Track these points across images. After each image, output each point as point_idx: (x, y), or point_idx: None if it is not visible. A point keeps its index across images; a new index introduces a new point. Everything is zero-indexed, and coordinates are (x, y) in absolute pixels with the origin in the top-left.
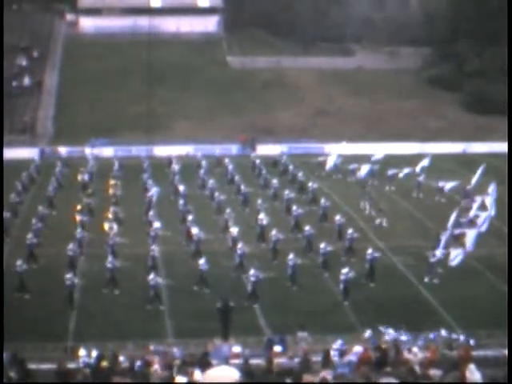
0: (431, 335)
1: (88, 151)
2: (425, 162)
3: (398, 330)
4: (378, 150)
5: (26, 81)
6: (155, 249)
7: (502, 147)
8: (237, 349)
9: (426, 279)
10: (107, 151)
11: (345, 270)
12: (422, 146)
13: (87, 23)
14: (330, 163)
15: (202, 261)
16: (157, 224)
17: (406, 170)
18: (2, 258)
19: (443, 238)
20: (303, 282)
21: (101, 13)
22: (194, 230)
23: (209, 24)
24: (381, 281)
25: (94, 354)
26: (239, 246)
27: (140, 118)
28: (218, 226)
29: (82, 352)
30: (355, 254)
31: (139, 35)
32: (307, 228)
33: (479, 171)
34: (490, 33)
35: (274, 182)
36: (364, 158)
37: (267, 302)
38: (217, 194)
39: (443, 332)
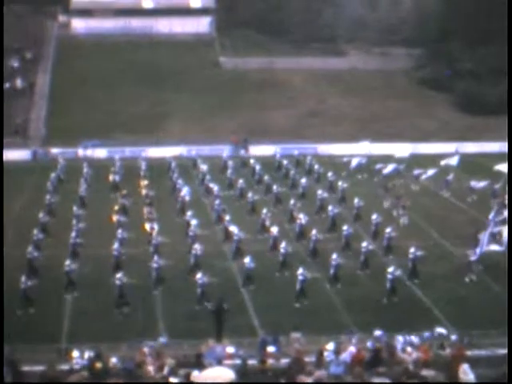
0: (426, 334)
1: (117, 155)
2: (453, 161)
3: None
4: (403, 149)
5: (19, 82)
6: (198, 247)
7: (493, 147)
8: (230, 349)
9: (467, 279)
10: (100, 152)
11: (391, 269)
12: (414, 146)
13: (79, 24)
14: (353, 163)
15: (247, 259)
16: (194, 222)
17: (432, 170)
18: (2, 257)
19: (482, 237)
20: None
21: (93, 14)
22: (234, 230)
23: (201, 25)
24: (374, 280)
25: (87, 355)
26: (282, 245)
27: (133, 119)
28: (252, 225)
29: (75, 353)
30: (393, 251)
31: (131, 36)
32: (345, 227)
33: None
34: (481, 33)
35: (303, 181)
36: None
37: (261, 302)
38: (250, 194)
39: (438, 330)
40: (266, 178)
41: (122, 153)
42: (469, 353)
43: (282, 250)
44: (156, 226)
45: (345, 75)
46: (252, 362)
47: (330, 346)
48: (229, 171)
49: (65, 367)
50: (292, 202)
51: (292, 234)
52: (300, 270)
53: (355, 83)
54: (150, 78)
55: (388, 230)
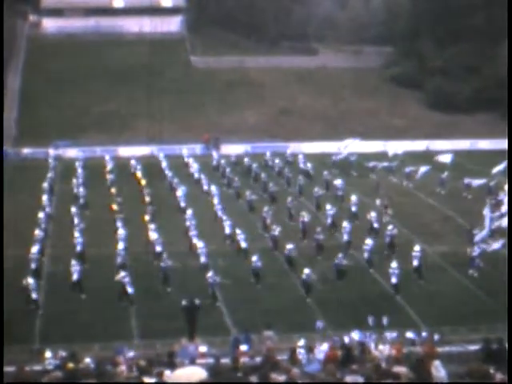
0: (394, 334)
1: (108, 155)
2: (447, 159)
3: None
4: (394, 146)
5: None
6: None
7: (464, 144)
8: (203, 348)
9: (471, 271)
10: (71, 152)
11: (394, 265)
12: (385, 144)
13: (50, 24)
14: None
15: (254, 258)
16: (193, 221)
17: (424, 168)
18: (2, 257)
19: (480, 234)
20: (268, 281)
21: (63, 13)
22: (229, 229)
23: (172, 24)
24: (346, 278)
25: (60, 355)
26: (289, 246)
27: (104, 119)
28: (250, 224)
29: (48, 354)
30: (395, 249)
31: (102, 36)
32: (346, 225)
33: (501, 168)
34: (451, 31)
35: (300, 178)
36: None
37: (233, 301)
38: (248, 193)
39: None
40: (262, 176)
41: (93, 152)
42: (440, 349)
43: (287, 250)
44: (153, 225)
45: (316, 74)
46: (225, 360)
47: (301, 342)
48: (227, 170)
49: (37, 368)
50: (289, 200)
51: (293, 233)
52: (306, 271)
53: (326, 82)
54: (121, 77)
55: (390, 227)
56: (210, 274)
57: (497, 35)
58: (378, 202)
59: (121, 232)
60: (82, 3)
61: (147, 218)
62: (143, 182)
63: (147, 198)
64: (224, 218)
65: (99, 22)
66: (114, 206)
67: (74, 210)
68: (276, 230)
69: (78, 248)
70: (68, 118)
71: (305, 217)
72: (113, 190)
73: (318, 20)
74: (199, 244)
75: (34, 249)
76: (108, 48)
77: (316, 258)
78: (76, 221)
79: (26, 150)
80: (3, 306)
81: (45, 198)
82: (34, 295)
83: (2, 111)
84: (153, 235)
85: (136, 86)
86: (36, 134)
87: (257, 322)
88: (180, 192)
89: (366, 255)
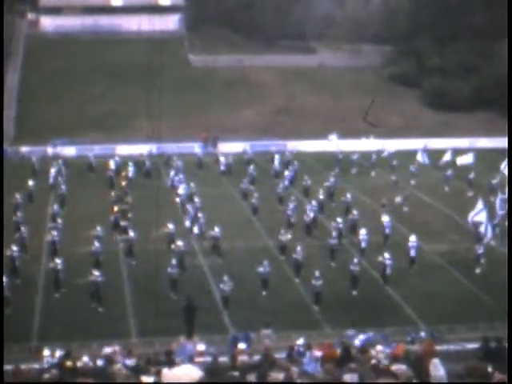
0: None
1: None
2: (469, 159)
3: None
4: (387, 145)
5: None
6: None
7: (462, 143)
8: (201, 347)
9: (478, 270)
10: (69, 150)
11: (386, 256)
12: (383, 143)
13: (48, 22)
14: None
15: (265, 262)
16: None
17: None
18: (1, 258)
19: (485, 230)
20: (271, 284)
21: (62, 12)
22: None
23: (170, 22)
24: (345, 278)
25: (58, 354)
26: (298, 248)
27: (102, 118)
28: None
29: (46, 352)
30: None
31: (100, 34)
32: (339, 220)
33: (502, 166)
34: (449, 30)
35: (306, 178)
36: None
37: (232, 300)
38: (256, 194)
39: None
40: (286, 173)
41: (91, 151)
42: (438, 348)
43: (295, 254)
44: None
45: (314, 72)
46: (223, 358)
47: (300, 341)
48: (251, 167)
49: (35, 366)
50: (292, 198)
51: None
52: (315, 279)
53: (325, 80)
54: (119, 75)
55: (386, 219)
56: (224, 278)
57: (496, 34)
58: (397, 199)
59: (98, 230)
60: (80, 1)
61: (130, 216)
62: (125, 182)
63: (128, 198)
64: (200, 215)
65: (97, 21)
66: (115, 208)
67: (55, 207)
68: (286, 235)
69: (52, 246)
70: (66, 117)
71: (309, 216)
72: (112, 193)
73: (317, 18)
74: (179, 242)
75: (13, 247)
76: (106, 46)
77: (329, 263)
78: (59, 220)
79: (24, 149)
80: (3, 305)
81: (18, 196)
82: (6, 293)
83: (1, 110)
84: (130, 233)
85: (134, 85)
86: (34, 133)
87: (256, 321)
88: (181, 190)
89: (362, 244)
